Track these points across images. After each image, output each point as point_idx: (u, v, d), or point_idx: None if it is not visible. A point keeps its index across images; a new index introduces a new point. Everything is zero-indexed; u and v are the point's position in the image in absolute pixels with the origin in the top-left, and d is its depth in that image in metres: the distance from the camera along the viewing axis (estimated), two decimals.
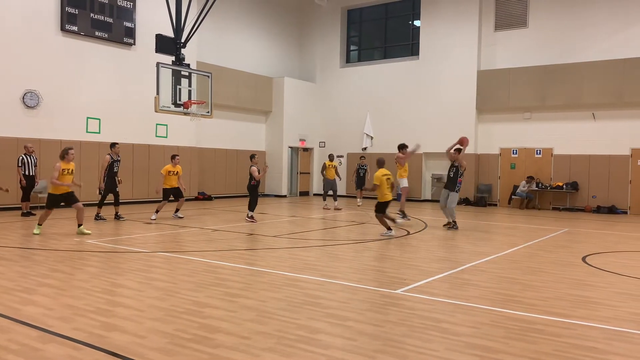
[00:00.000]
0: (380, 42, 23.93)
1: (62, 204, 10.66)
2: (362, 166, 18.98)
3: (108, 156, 12.71)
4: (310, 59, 24.59)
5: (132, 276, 6.70)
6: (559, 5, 18.92)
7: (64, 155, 10.39)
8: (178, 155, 13.71)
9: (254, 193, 13.08)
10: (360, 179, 18.83)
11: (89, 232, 10.30)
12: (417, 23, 22.22)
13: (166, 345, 4.18)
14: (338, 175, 17.58)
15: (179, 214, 13.64)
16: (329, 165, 17.37)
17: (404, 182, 13.66)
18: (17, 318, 4.82)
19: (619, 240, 11.24)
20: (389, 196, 10.78)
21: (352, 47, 24.50)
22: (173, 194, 13.31)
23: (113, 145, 13.07)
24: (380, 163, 11.17)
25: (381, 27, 23.74)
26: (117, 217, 12.96)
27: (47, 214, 10.41)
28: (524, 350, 4.20)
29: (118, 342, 4.23)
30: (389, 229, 10.89)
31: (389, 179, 10.78)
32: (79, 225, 10.32)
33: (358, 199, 19.11)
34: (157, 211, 13.08)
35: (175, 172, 13.26)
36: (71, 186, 10.47)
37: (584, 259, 8.59)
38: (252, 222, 12.71)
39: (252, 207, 13.03)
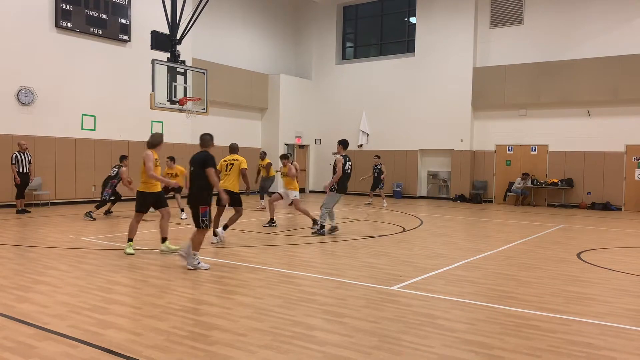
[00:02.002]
0: (376, 39, 23.92)
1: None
2: (376, 166, 18.05)
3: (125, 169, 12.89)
4: (306, 55, 24.56)
5: (127, 273, 6.69)
6: (554, 2, 18.95)
7: (158, 142, 8.35)
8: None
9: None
10: (375, 179, 17.91)
11: (177, 247, 8.08)
12: (412, 20, 22.22)
13: (162, 342, 4.18)
14: (273, 174, 16.00)
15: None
16: (261, 164, 15.93)
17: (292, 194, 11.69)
18: (12, 315, 4.81)
19: (613, 236, 11.29)
20: (225, 184, 8.99)
21: (348, 44, 24.49)
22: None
23: (124, 157, 13.27)
24: (231, 149, 9.64)
25: (377, 24, 23.73)
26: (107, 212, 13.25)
27: (138, 222, 8.05)
28: (519, 346, 4.22)
29: (114, 339, 4.23)
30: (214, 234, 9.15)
31: (229, 165, 9.15)
32: (164, 239, 8.19)
33: (369, 199, 18.24)
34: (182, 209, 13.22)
35: (174, 174, 13.03)
36: (170, 183, 8.52)
37: (578, 255, 8.63)
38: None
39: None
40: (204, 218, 6.96)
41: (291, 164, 12.04)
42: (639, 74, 17.25)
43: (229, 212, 9.62)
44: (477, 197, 20.05)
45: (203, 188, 7.00)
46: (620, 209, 17.80)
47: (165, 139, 17.94)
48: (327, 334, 4.44)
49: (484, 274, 7.04)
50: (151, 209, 8.51)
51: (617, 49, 17.72)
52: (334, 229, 10.48)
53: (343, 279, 6.58)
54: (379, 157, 18.51)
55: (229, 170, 9.12)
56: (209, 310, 5.09)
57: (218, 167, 9.02)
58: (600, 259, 8.33)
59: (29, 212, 13.50)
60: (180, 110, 12.95)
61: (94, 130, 16.43)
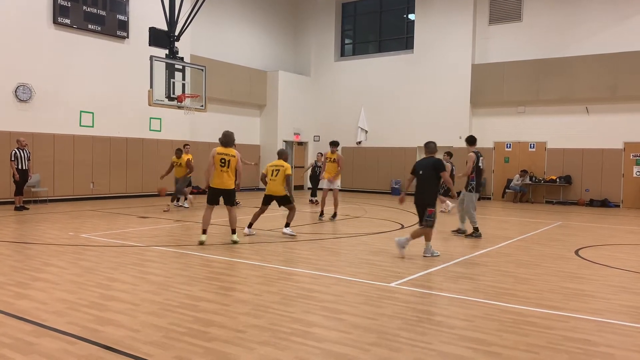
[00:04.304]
0: (374, 35, 23.89)
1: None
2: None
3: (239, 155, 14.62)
4: (305, 52, 24.52)
5: (126, 270, 6.68)
6: None
7: (232, 141, 8.93)
8: (188, 145, 15.05)
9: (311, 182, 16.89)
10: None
11: (237, 240, 8.78)
12: (411, 17, 22.19)
13: (160, 339, 4.18)
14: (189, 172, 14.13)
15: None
16: (176, 161, 14.00)
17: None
18: (10, 312, 4.81)
19: (611, 233, 11.31)
20: (271, 189, 9.65)
21: (346, 41, 24.45)
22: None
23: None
24: (279, 154, 10.03)
25: (376, 21, 23.70)
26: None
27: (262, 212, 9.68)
28: (517, 343, 4.23)
29: (112, 336, 4.23)
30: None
31: (275, 170, 9.64)
32: (234, 231, 8.89)
33: (449, 203, 14.60)
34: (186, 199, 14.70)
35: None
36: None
37: (577, 252, 8.64)
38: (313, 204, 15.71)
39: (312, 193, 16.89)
40: (429, 218, 7.65)
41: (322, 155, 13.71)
42: (637, 71, 17.25)
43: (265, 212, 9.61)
44: None
45: (433, 191, 7.76)
46: (618, 206, 17.83)
47: (164, 136, 18.27)
48: (325, 331, 4.45)
49: (482, 271, 7.05)
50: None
51: (616, 46, 17.71)
52: (461, 231, 10.37)
53: (341, 275, 6.58)
54: (449, 155, 15.13)
55: (275, 176, 9.60)
56: (207, 306, 5.09)
57: (264, 171, 9.87)
58: (598, 255, 8.34)
59: (27, 209, 13.49)
60: (179, 107, 12.93)
61: (92, 127, 16.40)
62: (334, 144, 12.87)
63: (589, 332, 4.58)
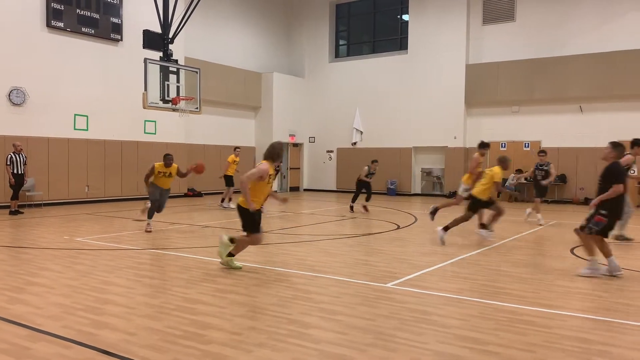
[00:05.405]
0: (368, 36, 23.93)
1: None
2: (542, 165, 12.89)
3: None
4: (299, 53, 24.53)
5: (122, 273, 6.66)
6: None
7: (279, 154, 6.85)
8: (239, 148, 15.96)
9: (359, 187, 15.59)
10: (538, 185, 12.75)
11: (240, 265, 7.01)
12: (405, 17, 22.24)
13: (157, 342, 4.17)
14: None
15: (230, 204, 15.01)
16: (158, 170, 10.32)
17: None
18: (6, 317, 4.78)
19: None
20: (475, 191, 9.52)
21: (340, 42, 24.48)
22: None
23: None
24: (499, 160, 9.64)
25: (370, 22, 23.75)
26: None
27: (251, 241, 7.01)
28: (514, 342, 4.24)
29: (108, 339, 4.21)
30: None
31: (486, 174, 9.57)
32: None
33: (538, 215, 12.43)
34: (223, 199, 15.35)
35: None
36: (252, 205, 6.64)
37: (572, 250, 8.66)
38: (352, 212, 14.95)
39: (354, 199, 15.53)
40: (595, 227, 6.84)
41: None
42: (631, 70, 17.34)
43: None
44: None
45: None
46: None
47: (158, 139, 18.22)
48: (322, 332, 4.45)
49: (478, 270, 7.06)
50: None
51: (609, 45, 17.80)
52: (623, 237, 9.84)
53: (338, 276, 6.58)
54: (544, 153, 13.43)
55: (483, 178, 9.52)
56: (203, 309, 5.08)
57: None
58: None
59: (22, 213, 13.43)
60: (174, 110, 12.93)
61: (87, 130, 16.35)
62: (486, 146, 11.58)
63: (585, 330, 4.59)
